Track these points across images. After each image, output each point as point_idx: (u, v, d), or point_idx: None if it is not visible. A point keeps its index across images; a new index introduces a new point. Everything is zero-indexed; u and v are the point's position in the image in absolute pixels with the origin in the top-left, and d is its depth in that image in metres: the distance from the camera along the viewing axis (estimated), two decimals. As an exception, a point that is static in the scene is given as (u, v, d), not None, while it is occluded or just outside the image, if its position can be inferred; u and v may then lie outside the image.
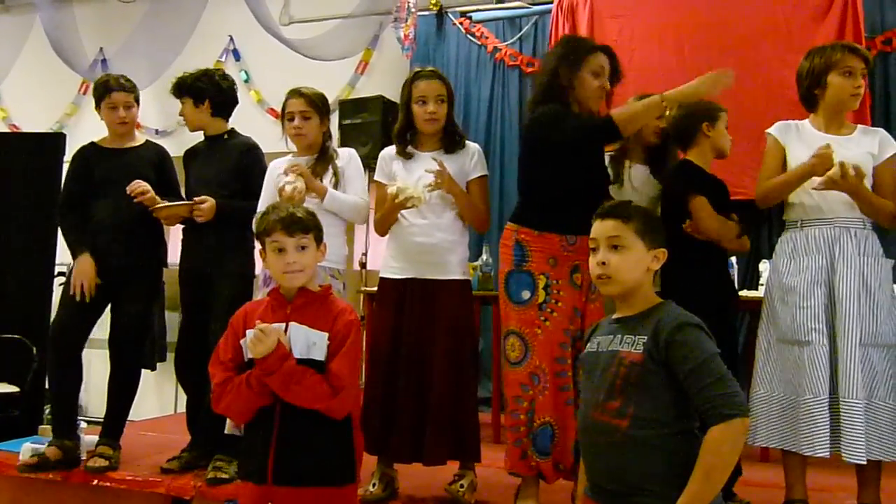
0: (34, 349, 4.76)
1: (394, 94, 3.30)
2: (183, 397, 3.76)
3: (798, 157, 2.83)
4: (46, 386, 5.02)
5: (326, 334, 2.22)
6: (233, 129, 3.62)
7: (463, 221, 3.17)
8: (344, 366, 2.20)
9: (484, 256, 4.57)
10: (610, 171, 3.18)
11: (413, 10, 5.82)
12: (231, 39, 6.75)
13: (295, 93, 3.29)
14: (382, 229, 3.21)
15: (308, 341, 2.21)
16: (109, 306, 3.59)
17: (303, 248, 2.27)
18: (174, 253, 3.64)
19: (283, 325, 2.23)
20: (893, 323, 2.78)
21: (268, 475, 2.17)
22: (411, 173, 3.11)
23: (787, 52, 4.60)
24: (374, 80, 6.26)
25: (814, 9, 4.98)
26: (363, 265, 5.59)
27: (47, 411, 5.34)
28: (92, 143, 3.70)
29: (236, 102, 3.68)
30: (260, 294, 3.19)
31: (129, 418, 3.64)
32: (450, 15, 6.08)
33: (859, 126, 2.98)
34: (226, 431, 3.15)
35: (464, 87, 5.94)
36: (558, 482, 2.91)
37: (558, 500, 2.97)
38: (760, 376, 2.87)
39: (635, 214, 2.05)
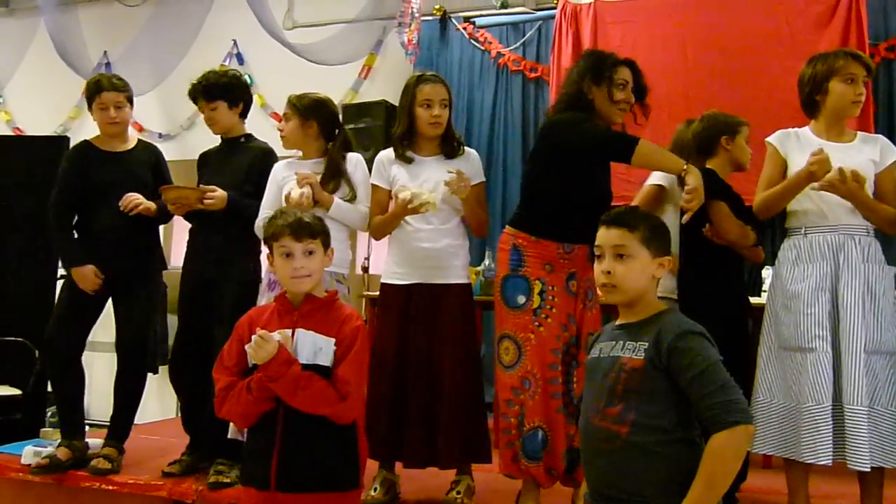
0: (36, 352, 4.75)
1: (397, 99, 3.30)
2: (185, 401, 3.75)
3: (799, 164, 2.83)
4: (49, 388, 5.04)
5: (333, 340, 2.22)
6: (250, 132, 3.62)
7: (465, 226, 3.19)
8: (351, 371, 2.20)
9: (486, 261, 4.58)
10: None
11: (417, 15, 5.82)
12: (235, 43, 6.75)
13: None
14: (382, 234, 3.22)
15: (315, 347, 2.21)
16: (113, 312, 3.59)
17: (310, 253, 2.27)
18: (179, 255, 3.63)
19: (290, 331, 2.23)
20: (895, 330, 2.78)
21: (271, 481, 2.17)
22: (415, 177, 3.12)
23: (790, 59, 4.60)
24: (377, 85, 6.26)
25: (817, 15, 4.98)
26: (365, 269, 5.58)
27: (49, 414, 5.35)
28: (87, 143, 3.68)
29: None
30: (264, 298, 3.19)
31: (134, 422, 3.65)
32: (453, 20, 6.08)
33: (860, 133, 2.98)
34: (229, 436, 3.15)
35: (467, 93, 5.94)
36: (558, 486, 2.91)
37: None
38: (761, 383, 2.86)
39: (641, 223, 2.05)
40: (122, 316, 3.56)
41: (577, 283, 2.90)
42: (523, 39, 5.89)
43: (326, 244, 2.33)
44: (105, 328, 3.62)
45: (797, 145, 2.92)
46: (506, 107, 5.87)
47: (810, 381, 2.68)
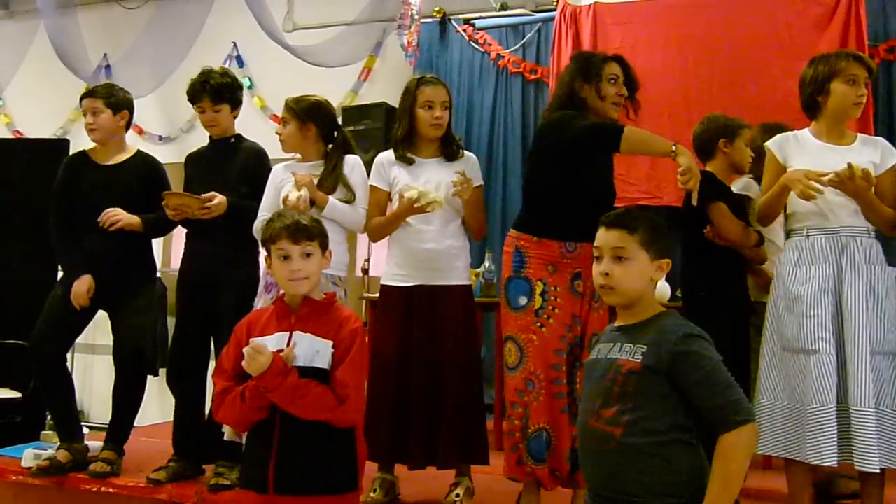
0: (36, 355, 4.75)
1: (397, 101, 3.30)
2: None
3: (804, 166, 2.82)
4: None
5: (331, 342, 2.22)
6: (239, 133, 3.60)
7: (465, 228, 3.20)
8: (349, 374, 2.19)
9: (486, 263, 4.58)
10: None
11: (416, 17, 5.83)
12: (235, 46, 6.76)
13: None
14: (381, 235, 3.23)
15: (312, 349, 2.21)
16: (109, 318, 3.59)
17: (308, 255, 2.27)
18: (177, 259, 3.63)
19: (287, 334, 2.23)
20: None
21: (269, 484, 2.17)
22: (416, 179, 3.12)
23: (790, 60, 4.60)
24: (377, 87, 6.26)
25: (817, 17, 4.98)
26: (365, 272, 5.59)
27: (49, 417, 5.35)
28: (82, 153, 3.68)
29: None
30: (260, 301, 3.19)
31: (133, 426, 3.64)
32: (453, 22, 6.09)
33: (860, 135, 2.97)
34: (225, 438, 3.14)
35: (467, 94, 5.95)
36: (557, 489, 2.91)
37: (560, 507, 2.97)
38: (764, 385, 2.85)
39: (640, 225, 2.05)
40: (116, 327, 3.55)
41: (583, 284, 2.88)
42: (523, 41, 5.89)
43: (324, 246, 2.33)
44: (105, 331, 3.61)
45: (797, 148, 2.91)
46: (506, 108, 5.88)
47: (814, 383, 2.67)
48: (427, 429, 3.00)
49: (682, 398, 1.91)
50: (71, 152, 4.94)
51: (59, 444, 3.53)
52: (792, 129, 3.04)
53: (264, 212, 3.21)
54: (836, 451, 2.61)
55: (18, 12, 7.54)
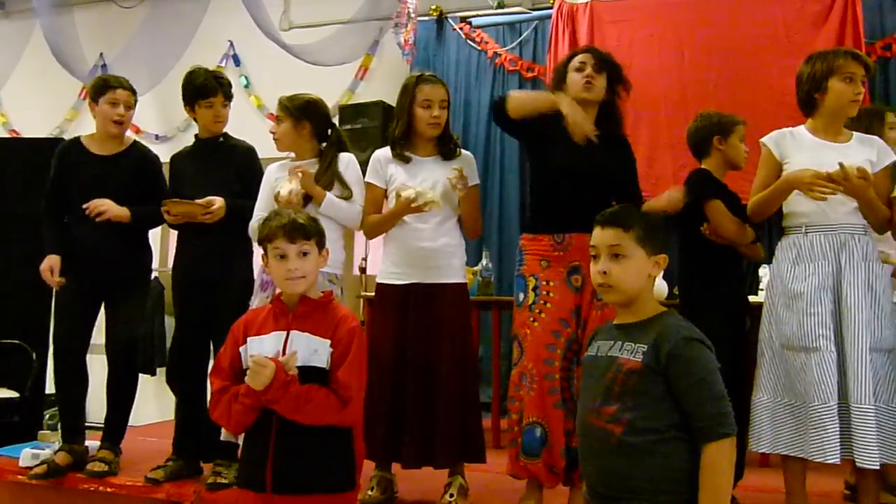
0: (34, 354, 4.75)
1: (394, 100, 3.29)
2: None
3: (801, 162, 2.82)
4: (46, 391, 5.03)
5: (328, 341, 2.21)
6: (226, 131, 3.58)
7: (461, 226, 3.20)
8: (351, 375, 2.19)
9: (484, 261, 4.58)
10: None
11: (413, 15, 5.83)
12: (231, 45, 6.75)
13: None
14: (376, 232, 3.24)
15: (310, 349, 2.20)
16: (105, 312, 3.59)
17: (304, 254, 2.26)
18: (171, 258, 3.63)
19: (284, 333, 2.23)
20: (895, 327, 2.78)
21: (267, 483, 2.16)
22: (413, 177, 3.13)
23: (787, 58, 4.61)
24: (374, 86, 6.26)
25: (813, 14, 4.98)
26: (363, 270, 5.58)
27: (47, 416, 5.35)
28: (76, 141, 3.66)
29: None
30: (256, 300, 3.19)
31: (129, 423, 3.64)
32: (450, 20, 6.08)
33: (856, 134, 2.97)
34: (222, 438, 3.14)
35: (464, 92, 5.94)
36: (558, 487, 2.91)
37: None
38: (764, 383, 2.85)
39: (636, 222, 2.05)
40: (110, 319, 3.56)
41: (581, 278, 2.88)
42: (520, 39, 5.89)
43: (321, 245, 2.32)
44: (98, 330, 3.61)
45: (793, 144, 2.91)
46: (503, 107, 5.87)
47: (816, 381, 2.67)
48: (422, 428, 2.99)
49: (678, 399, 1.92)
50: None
51: (59, 444, 3.53)
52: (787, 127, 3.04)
53: (259, 211, 3.21)
54: (839, 448, 2.62)
55: (14, 12, 7.53)
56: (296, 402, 2.12)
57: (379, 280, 3.21)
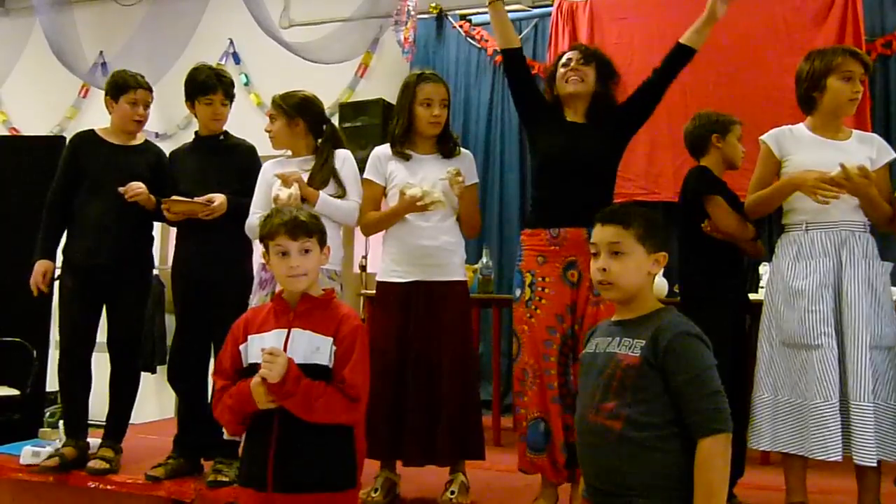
0: (34, 352, 4.75)
1: (394, 97, 3.29)
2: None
3: (802, 160, 2.83)
4: (47, 389, 5.03)
5: (331, 339, 2.22)
6: (226, 130, 3.59)
7: (460, 225, 3.20)
8: (358, 374, 2.19)
9: (484, 259, 4.58)
10: None
11: (413, 13, 5.82)
12: (231, 42, 6.75)
13: None
14: (375, 230, 3.25)
15: (311, 346, 2.20)
16: (106, 308, 3.59)
17: (306, 251, 2.26)
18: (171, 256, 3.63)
19: (285, 331, 2.23)
20: (895, 325, 2.78)
21: (268, 481, 2.17)
22: (413, 175, 3.13)
23: (787, 55, 4.60)
24: (373, 84, 6.25)
25: (814, 12, 4.98)
26: (363, 268, 5.59)
27: (48, 414, 5.35)
28: (92, 131, 3.68)
29: None
30: (255, 299, 3.19)
31: (130, 421, 3.65)
32: (450, 18, 6.08)
33: (855, 132, 2.98)
34: (224, 437, 3.15)
35: (464, 90, 5.93)
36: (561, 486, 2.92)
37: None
38: (764, 380, 2.85)
39: (635, 219, 2.06)
40: (112, 313, 3.56)
41: (577, 273, 2.89)
42: (520, 37, 5.85)
43: (322, 242, 2.33)
44: (101, 328, 3.61)
45: (794, 142, 2.92)
46: (503, 104, 5.86)
47: (817, 378, 2.68)
48: (424, 425, 3.00)
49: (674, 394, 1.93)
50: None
51: (65, 440, 3.54)
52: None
53: (256, 209, 3.21)
54: (840, 445, 2.62)
55: (14, 10, 7.52)
56: (308, 396, 2.12)
57: (379, 278, 3.21)
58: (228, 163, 3.48)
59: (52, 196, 3.59)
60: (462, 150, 3.27)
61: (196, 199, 3.31)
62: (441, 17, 6.09)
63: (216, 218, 3.31)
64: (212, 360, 3.31)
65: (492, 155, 5.80)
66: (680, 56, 3.03)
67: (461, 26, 6.02)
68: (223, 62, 6.62)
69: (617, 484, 1.93)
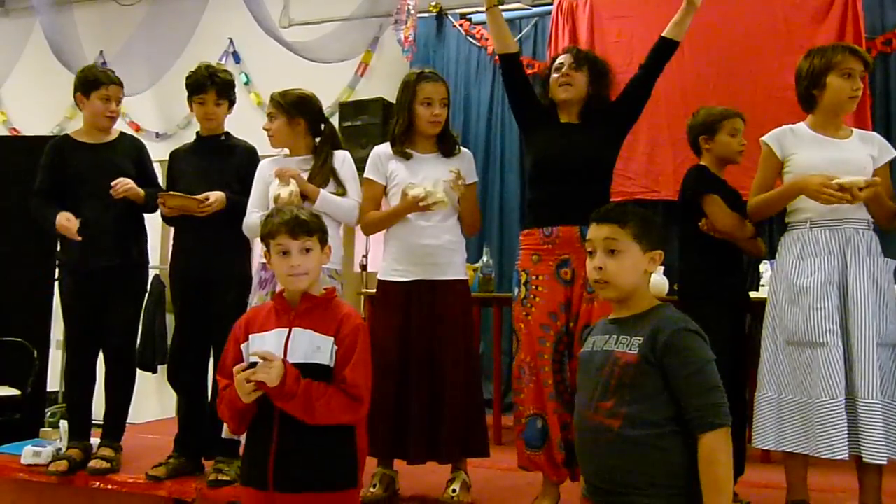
0: (35, 352, 4.75)
1: (394, 97, 3.29)
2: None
3: (807, 158, 2.83)
4: (48, 389, 5.03)
5: (332, 339, 2.21)
6: (227, 130, 3.58)
7: (461, 224, 3.21)
8: (360, 374, 2.19)
9: (484, 258, 4.58)
10: None
11: (413, 12, 5.83)
12: (231, 42, 6.75)
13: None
14: (376, 229, 3.25)
15: (312, 345, 2.20)
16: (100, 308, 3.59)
17: (307, 250, 2.26)
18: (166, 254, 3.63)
19: (286, 330, 2.23)
20: None
21: (269, 481, 2.17)
22: (414, 174, 3.13)
23: (787, 54, 4.60)
24: (374, 83, 6.26)
25: (814, 10, 4.99)
26: (364, 267, 5.59)
27: (48, 414, 5.35)
28: (66, 136, 3.67)
29: None
30: (255, 298, 3.19)
31: (129, 421, 3.66)
32: (450, 17, 6.09)
33: (856, 130, 2.98)
34: (223, 436, 3.14)
35: (464, 89, 5.94)
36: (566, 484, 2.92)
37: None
38: (768, 378, 2.84)
39: (631, 218, 2.07)
40: (108, 311, 3.54)
41: (570, 271, 2.90)
42: (519, 36, 5.88)
43: (324, 242, 2.32)
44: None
45: (795, 141, 2.91)
46: (503, 103, 5.85)
47: (823, 376, 2.67)
48: (427, 424, 3.00)
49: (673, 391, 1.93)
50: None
51: (64, 441, 3.53)
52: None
53: (253, 208, 3.21)
54: (846, 444, 2.61)
55: (14, 10, 7.53)
56: (309, 396, 2.11)
57: (380, 277, 3.21)
58: (229, 164, 3.47)
59: (34, 199, 3.58)
60: (462, 148, 3.28)
61: (193, 196, 3.30)
62: (441, 16, 6.10)
63: (214, 216, 3.30)
64: (212, 360, 3.32)
65: (492, 154, 5.81)
66: (664, 49, 3.04)
67: (461, 25, 6.03)
68: (223, 61, 6.63)
69: (616, 482, 1.94)
